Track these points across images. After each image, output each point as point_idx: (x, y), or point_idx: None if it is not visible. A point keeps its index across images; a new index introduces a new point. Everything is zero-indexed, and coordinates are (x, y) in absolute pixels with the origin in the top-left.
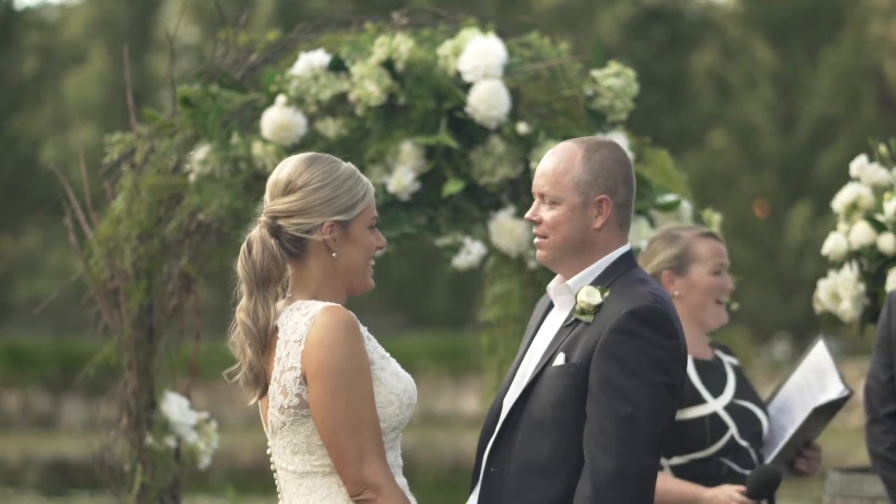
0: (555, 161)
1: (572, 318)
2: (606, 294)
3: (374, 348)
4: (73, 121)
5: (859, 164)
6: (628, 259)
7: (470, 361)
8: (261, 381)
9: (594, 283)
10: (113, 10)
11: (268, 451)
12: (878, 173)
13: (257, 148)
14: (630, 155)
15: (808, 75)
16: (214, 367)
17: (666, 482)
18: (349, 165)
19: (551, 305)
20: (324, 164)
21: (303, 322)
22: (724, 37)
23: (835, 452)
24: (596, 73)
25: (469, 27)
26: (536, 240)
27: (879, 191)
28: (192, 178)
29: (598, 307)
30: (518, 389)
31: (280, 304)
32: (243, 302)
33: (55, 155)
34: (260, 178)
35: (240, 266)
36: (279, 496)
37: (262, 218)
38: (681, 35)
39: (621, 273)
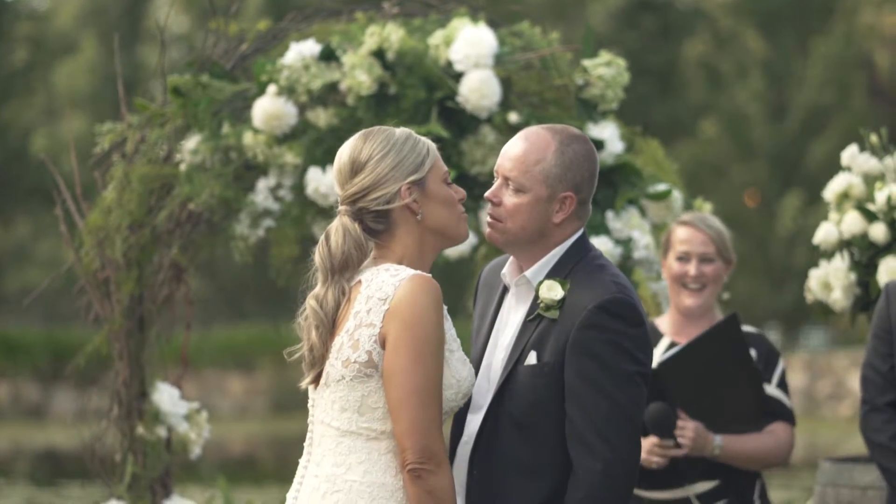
0: (526, 147)
1: (535, 314)
2: (567, 286)
3: (449, 328)
4: (64, 111)
5: (850, 154)
6: (583, 244)
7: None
8: (318, 365)
9: (552, 274)
10: (103, 1)
11: (309, 404)
12: (869, 162)
13: (248, 137)
14: (620, 145)
15: (798, 65)
16: (204, 357)
17: None
18: (403, 129)
19: (505, 290)
20: (379, 134)
21: (390, 282)
22: (715, 26)
23: (825, 442)
24: (587, 62)
25: (460, 17)
26: (489, 220)
27: (870, 180)
28: (182, 167)
29: (562, 301)
30: (490, 387)
31: (366, 262)
32: (317, 289)
33: (45, 145)
34: (250, 167)
35: (317, 255)
36: (306, 450)
37: (340, 207)
38: (672, 24)
39: (578, 259)
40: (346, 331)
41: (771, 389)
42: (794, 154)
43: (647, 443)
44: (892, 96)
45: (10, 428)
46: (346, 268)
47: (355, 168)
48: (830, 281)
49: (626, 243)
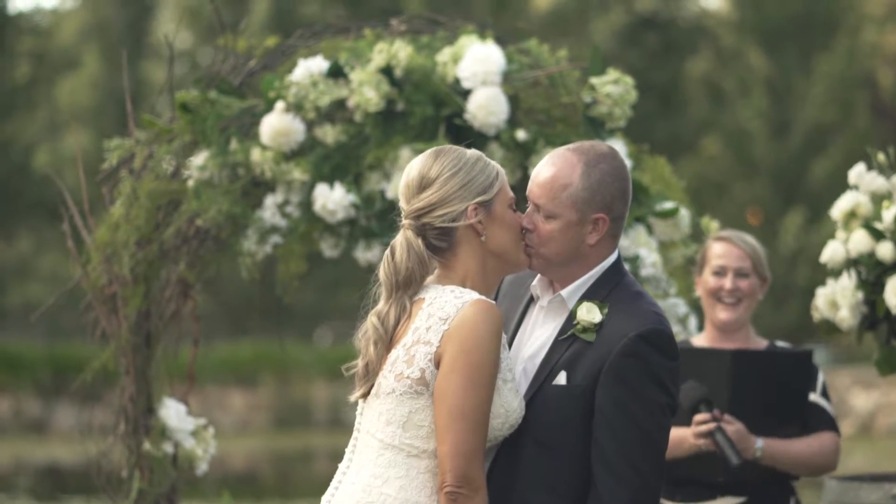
0: (553, 172)
1: (569, 333)
2: (606, 310)
3: (505, 358)
4: (67, 126)
5: (858, 172)
6: (619, 268)
7: None
8: (370, 380)
9: (588, 295)
10: (106, 16)
11: (357, 412)
12: (876, 181)
13: (256, 154)
14: (628, 163)
15: (801, 83)
16: (206, 373)
17: None
18: (474, 150)
19: (530, 300)
20: (450, 153)
21: (453, 303)
22: (717, 44)
23: None
24: (595, 80)
25: (468, 34)
26: (526, 247)
27: (878, 199)
28: (190, 183)
29: (600, 325)
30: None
31: (430, 279)
32: (380, 305)
33: (48, 160)
34: (258, 183)
35: (382, 271)
36: (347, 456)
37: (405, 221)
38: (674, 42)
39: (615, 284)
40: (402, 345)
41: (815, 397)
42: (796, 172)
43: (687, 431)
44: (895, 114)
45: (12, 443)
46: (409, 284)
47: (424, 183)
48: (837, 299)
49: (633, 261)
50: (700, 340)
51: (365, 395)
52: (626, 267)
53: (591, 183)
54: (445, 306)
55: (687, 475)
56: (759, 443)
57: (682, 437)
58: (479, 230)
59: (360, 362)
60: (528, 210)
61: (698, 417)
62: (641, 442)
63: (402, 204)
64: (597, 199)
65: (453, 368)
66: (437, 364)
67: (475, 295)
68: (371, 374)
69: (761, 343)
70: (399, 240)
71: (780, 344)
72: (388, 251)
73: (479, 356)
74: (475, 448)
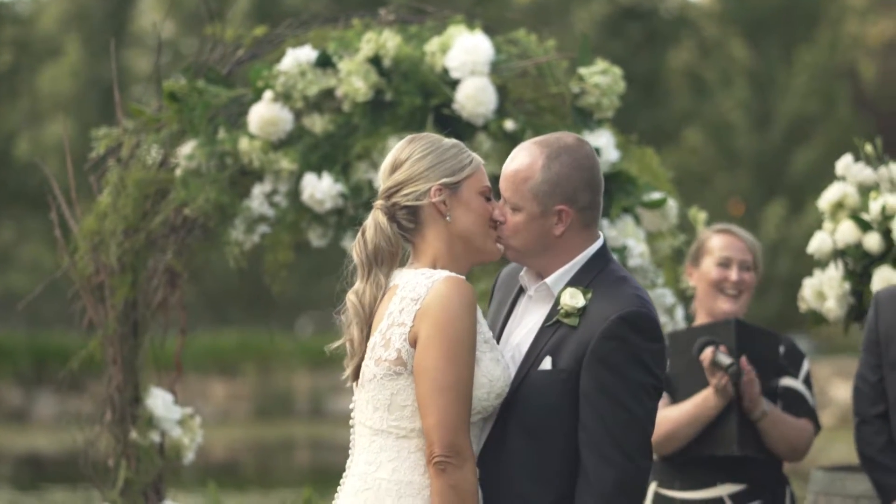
0: (516, 166)
1: (554, 319)
2: (589, 295)
3: (482, 329)
4: (48, 115)
5: (845, 163)
6: (604, 255)
7: None
8: (355, 357)
9: (573, 283)
10: (87, 5)
11: (351, 406)
12: (863, 172)
13: (244, 143)
14: (615, 154)
15: (783, 74)
16: (187, 362)
17: (673, 408)
18: (453, 139)
19: (520, 291)
20: (426, 138)
21: (423, 283)
22: (700, 35)
23: (810, 451)
24: (583, 70)
25: (456, 24)
26: (499, 238)
27: (865, 190)
28: (178, 173)
29: (583, 309)
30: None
31: (403, 269)
32: (356, 284)
33: (29, 149)
34: (246, 173)
35: (354, 250)
36: (350, 452)
37: (377, 202)
38: (657, 33)
39: (599, 270)
40: (379, 331)
41: (796, 384)
42: (777, 163)
43: (708, 389)
44: (877, 106)
45: None
46: (380, 261)
47: (396, 165)
48: (824, 290)
49: (620, 251)
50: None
51: (356, 376)
52: (615, 257)
53: (551, 175)
54: (417, 287)
55: (688, 457)
56: (766, 402)
57: (705, 395)
58: (443, 210)
59: (345, 341)
60: (500, 202)
61: (703, 355)
62: (627, 423)
63: (379, 185)
64: (557, 191)
65: (429, 344)
66: (413, 343)
67: (444, 273)
68: (357, 351)
69: None
70: (370, 219)
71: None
72: (359, 232)
73: (454, 330)
74: (460, 420)
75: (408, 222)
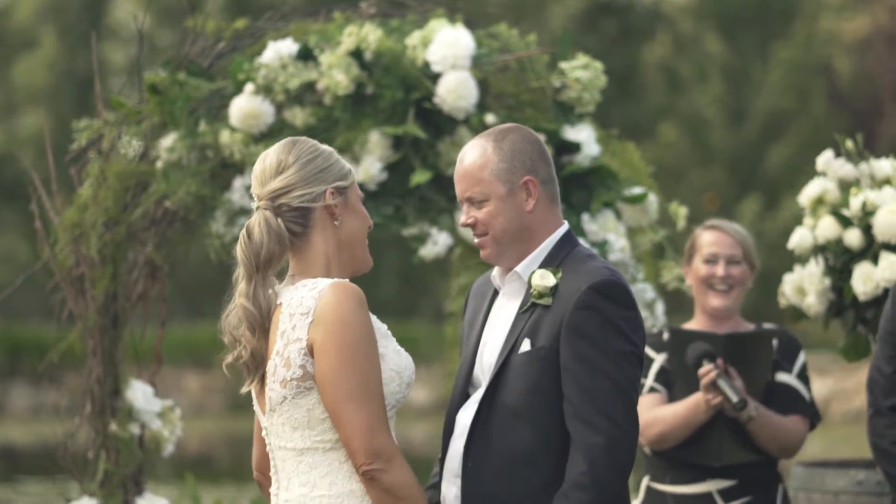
0: (468, 161)
1: (528, 304)
2: (559, 274)
3: (378, 325)
4: (23, 107)
5: (825, 159)
6: (570, 238)
7: (419, 352)
8: (261, 367)
9: (543, 266)
10: None
11: (263, 433)
12: (843, 168)
13: (225, 136)
14: (596, 148)
15: (758, 70)
16: (163, 355)
17: (666, 409)
18: (326, 146)
19: (495, 294)
20: (307, 142)
21: (310, 296)
22: (674, 30)
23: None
24: (564, 65)
25: (437, 18)
26: (477, 240)
27: (845, 186)
28: (159, 165)
29: (555, 288)
30: (484, 380)
31: (280, 285)
32: (242, 287)
33: (3, 140)
34: (227, 165)
35: (239, 251)
36: (273, 479)
37: (260, 203)
38: (632, 28)
39: (567, 252)
40: (276, 353)
41: (790, 379)
42: (753, 158)
43: (700, 395)
44: (852, 103)
45: None
46: (269, 264)
47: (282, 167)
48: (805, 286)
49: (601, 246)
50: (691, 326)
51: (261, 386)
52: (596, 252)
53: (505, 153)
54: (304, 301)
55: (682, 459)
56: (754, 404)
57: (696, 401)
58: (336, 213)
59: (243, 352)
60: (463, 209)
61: (702, 370)
62: (610, 390)
63: (256, 189)
64: (517, 164)
65: (326, 352)
66: (313, 355)
67: (328, 280)
68: (259, 360)
69: (749, 327)
70: (256, 220)
71: (767, 326)
72: (243, 232)
73: (349, 334)
74: (375, 421)
75: (295, 225)
